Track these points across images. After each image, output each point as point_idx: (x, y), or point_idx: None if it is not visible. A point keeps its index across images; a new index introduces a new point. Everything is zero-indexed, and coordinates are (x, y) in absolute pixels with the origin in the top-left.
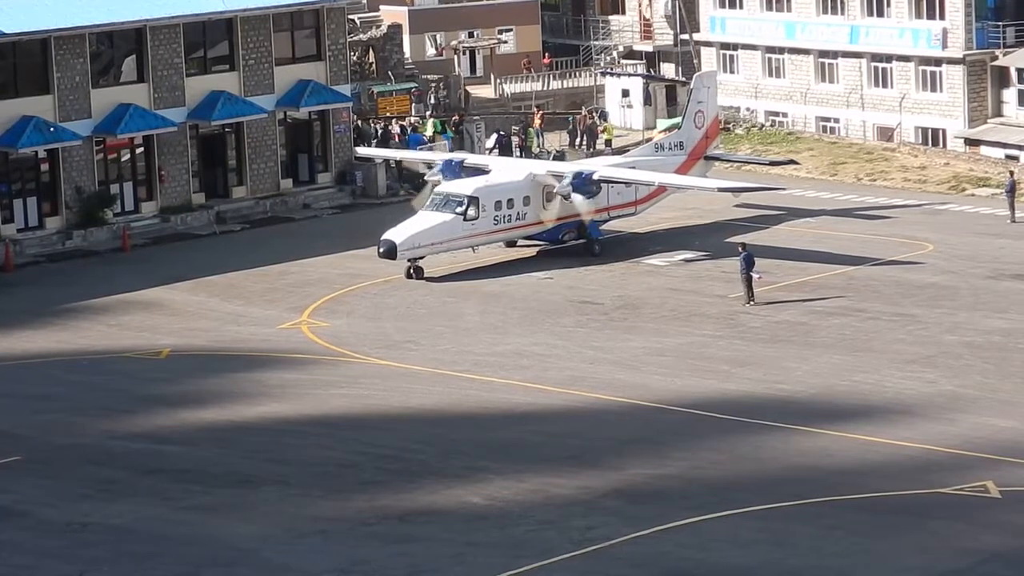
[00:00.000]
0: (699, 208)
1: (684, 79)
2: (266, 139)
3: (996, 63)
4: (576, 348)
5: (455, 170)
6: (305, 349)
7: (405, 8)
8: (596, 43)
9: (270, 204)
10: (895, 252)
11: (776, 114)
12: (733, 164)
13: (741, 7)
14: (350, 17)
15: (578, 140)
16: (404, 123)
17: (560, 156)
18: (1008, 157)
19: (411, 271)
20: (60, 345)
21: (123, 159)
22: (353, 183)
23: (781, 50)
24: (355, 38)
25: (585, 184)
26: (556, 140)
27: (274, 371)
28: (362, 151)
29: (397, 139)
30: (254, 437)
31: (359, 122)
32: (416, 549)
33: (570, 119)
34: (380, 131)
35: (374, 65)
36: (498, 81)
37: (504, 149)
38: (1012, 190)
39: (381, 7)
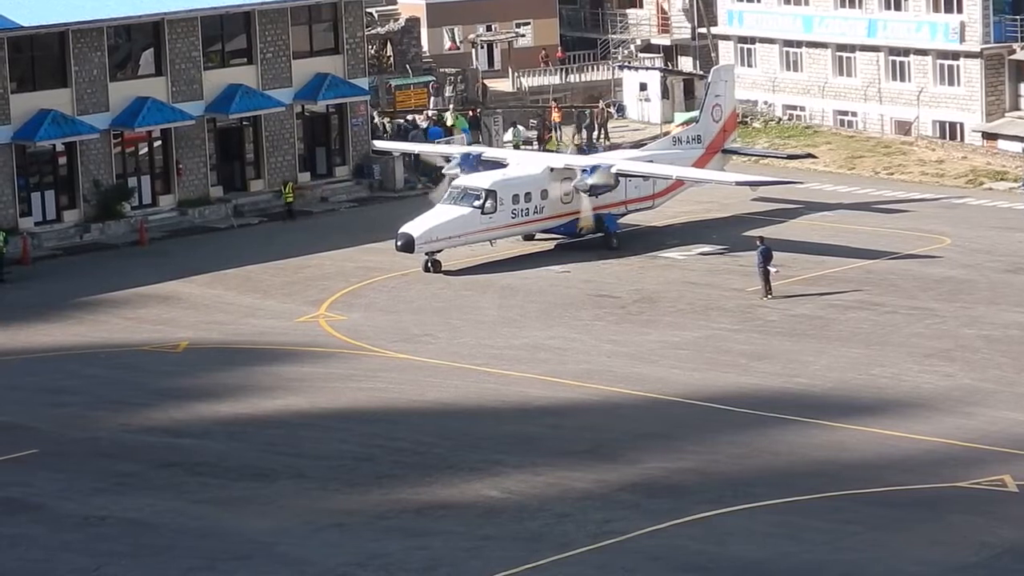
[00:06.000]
0: (717, 202)
1: (702, 73)
2: (284, 132)
3: (1013, 57)
4: (593, 342)
5: (473, 163)
6: (322, 342)
7: (423, 1)
8: (614, 37)
9: None
10: (912, 246)
11: (793, 108)
12: (750, 158)
13: (759, 1)
14: (368, 11)
15: (595, 134)
16: (421, 117)
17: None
18: None
19: (429, 264)
20: (77, 338)
21: (141, 152)
22: (371, 176)
23: (799, 44)
24: (373, 32)
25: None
26: (573, 134)
27: (291, 364)
28: (380, 144)
29: (422, 132)
30: (271, 430)
31: (374, 114)
32: (433, 542)
33: (586, 113)
34: (397, 127)
35: (392, 59)
36: (516, 75)
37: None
38: None
39: (399, 1)
